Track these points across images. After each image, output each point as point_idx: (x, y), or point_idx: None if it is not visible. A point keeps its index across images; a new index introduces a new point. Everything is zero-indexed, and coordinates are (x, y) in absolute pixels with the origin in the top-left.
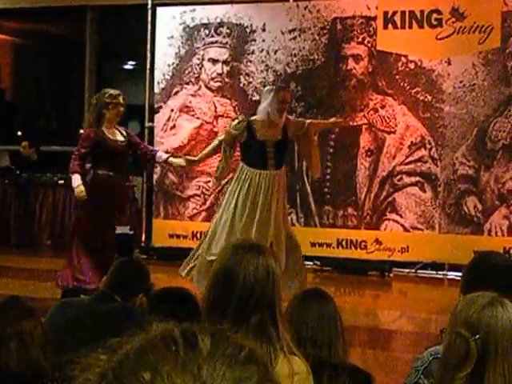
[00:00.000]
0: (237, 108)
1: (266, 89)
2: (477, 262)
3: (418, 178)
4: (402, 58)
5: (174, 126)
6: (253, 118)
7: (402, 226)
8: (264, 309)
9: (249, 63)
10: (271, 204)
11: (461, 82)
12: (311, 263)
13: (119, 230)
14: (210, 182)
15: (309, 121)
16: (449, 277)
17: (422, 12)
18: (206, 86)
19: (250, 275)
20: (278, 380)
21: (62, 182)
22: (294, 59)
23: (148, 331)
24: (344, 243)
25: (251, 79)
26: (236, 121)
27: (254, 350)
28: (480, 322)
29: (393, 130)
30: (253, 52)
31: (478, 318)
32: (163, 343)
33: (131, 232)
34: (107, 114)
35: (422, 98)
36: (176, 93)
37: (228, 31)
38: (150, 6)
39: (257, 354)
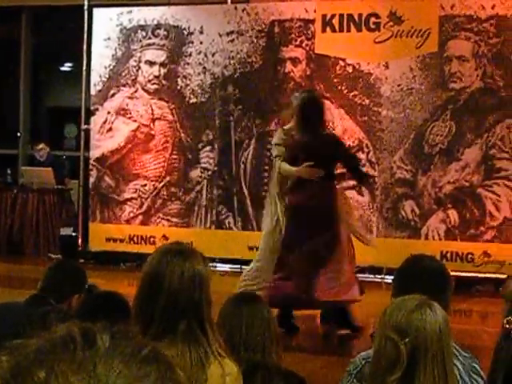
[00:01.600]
0: (174, 111)
1: (293, 97)
2: (406, 266)
3: (355, 182)
4: (340, 62)
5: (110, 129)
6: (286, 127)
7: None
8: (191, 314)
9: (186, 65)
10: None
11: (398, 85)
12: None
13: (63, 231)
14: (146, 185)
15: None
16: (386, 281)
17: (360, 15)
18: (143, 89)
19: (175, 281)
20: (209, 381)
21: None
22: (232, 62)
23: (50, 331)
24: None
25: (188, 81)
26: (280, 132)
27: (155, 350)
28: (409, 326)
29: None
30: (190, 54)
31: (407, 321)
32: (61, 342)
33: (74, 234)
34: None
35: (359, 101)
36: (113, 95)
37: (165, 33)
38: (86, 7)
39: (159, 353)
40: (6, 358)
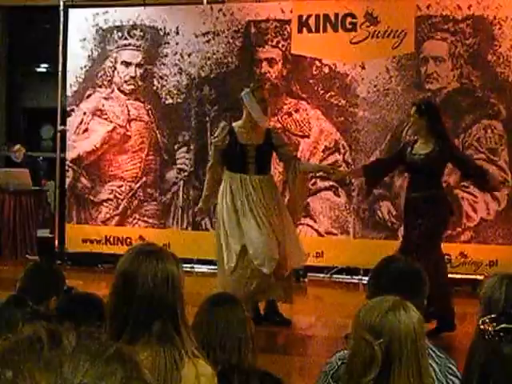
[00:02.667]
0: (150, 111)
1: (243, 94)
2: (381, 267)
3: (332, 183)
4: (317, 62)
5: (86, 130)
6: (234, 124)
7: (317, 230)
8: (165, 315)
9: (162, 66)
10: (252, 209)
11: (375, 86)
12: None
13: (39, 233)
14: (122, 186)
15: (302, 164)
16: (364, 282)
17: (336, 16)
18: (119, 89)
19: (149, 281)
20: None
21: None
22: (208, 62)
23: (17, 333)
24: None
25: (165, 82)
26: (219, 130)
27: (121, 349)
28: (383, 326)
29: (307, 134)
30: (166, 55)
31: (382, 322)
32: (28, 343)
33: (51, 235)
34: None
35: (336, 102)
36: (88, 96)
37: (141, 34)
38: (61, 8)
39: (124, 353)
40: None
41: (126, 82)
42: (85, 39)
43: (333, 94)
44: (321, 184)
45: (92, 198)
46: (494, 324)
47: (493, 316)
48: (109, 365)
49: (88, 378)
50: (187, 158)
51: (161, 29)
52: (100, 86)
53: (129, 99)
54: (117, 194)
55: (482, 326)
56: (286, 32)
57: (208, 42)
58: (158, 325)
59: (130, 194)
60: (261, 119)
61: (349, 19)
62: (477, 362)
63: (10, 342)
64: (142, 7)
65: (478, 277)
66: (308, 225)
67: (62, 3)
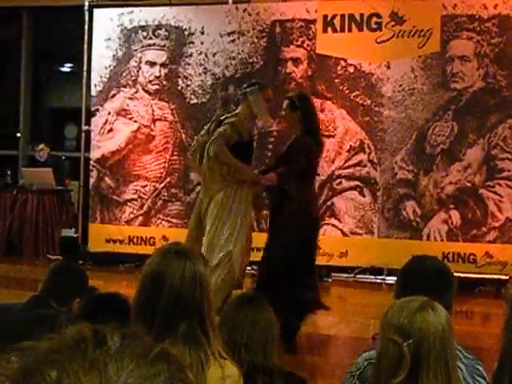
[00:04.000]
0: (175, 111)
1: (249, 90)
2: (410, 266)
3: (357, 183)
4: (342, 62)
5: (111, 130)
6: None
7: (341, 230)
8: (192, 315)
9: (187, 66)
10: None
11: (400, 85)
12: (249, 268)
13: (64, 232)
14: (146, 186)
15: None
16: (387, 282)
17: (361, 15)
18: (144, 89)
19: (177, 281)
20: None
21: None
22: (233, 62)
23: (60, 333)
24: None
25: (189, 82)
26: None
27: (165, 350)
28: (412, 327)
29: (332, 133)
30: (191, 55)
31: (410, 322)
32: (73, 343)
33: (76, 235)
34: None
35: (361, 101)
36: (113, 96)
37: (166, 34)
38: (86, 8)
39: (169, 353)
40: (16, 358)
41: (150, 81)
42: (109, 39)
43: (358, 93)
44: (346, 184)
45: (116, 197)
46: None
47: None
48: (154, 365)
49: (133, 379)
50: None
51: (186, 29)
52: (124, 86)
53: (153, 99)
54: (141, 194)
55: None
56: (311, 32)
57: (233, 41)
58: (185, 325)
59: (155, 194)
60: (265, 118)
61: (374, 19)
62: (509, 362)
63: (54, 341)
64: (167, 7)
65: (503, 277)
66: (333, 225)
67: (86, 3)
